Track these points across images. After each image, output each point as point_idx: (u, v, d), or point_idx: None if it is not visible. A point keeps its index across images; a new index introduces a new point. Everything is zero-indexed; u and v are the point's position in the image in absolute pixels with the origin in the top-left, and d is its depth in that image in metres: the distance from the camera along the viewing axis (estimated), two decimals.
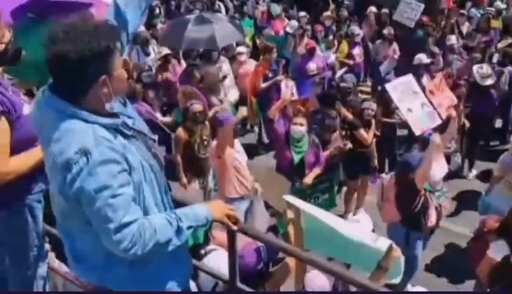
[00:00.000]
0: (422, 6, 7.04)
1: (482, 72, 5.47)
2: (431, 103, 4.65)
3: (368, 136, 4.76)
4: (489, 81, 5.50)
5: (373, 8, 8.85)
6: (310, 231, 2.06)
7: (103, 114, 1.43)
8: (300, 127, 4.08)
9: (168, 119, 5.32)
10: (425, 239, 3.91)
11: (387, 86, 4.76)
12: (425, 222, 3.73)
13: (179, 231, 1.46)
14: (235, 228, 1.66)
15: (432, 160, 3.57)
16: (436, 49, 6.93)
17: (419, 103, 4.30)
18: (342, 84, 5.51)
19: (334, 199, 4.36)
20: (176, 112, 5.36)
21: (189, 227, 1.49)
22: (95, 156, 1.34)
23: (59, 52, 1.33)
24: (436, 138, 3.69)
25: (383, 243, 1.98)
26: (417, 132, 4.20)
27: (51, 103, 1.41)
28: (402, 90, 4.40)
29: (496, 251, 3.02)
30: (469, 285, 3.69)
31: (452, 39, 7.30)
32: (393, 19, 7.65)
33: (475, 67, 5.67)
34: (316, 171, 4.19)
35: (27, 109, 1.95)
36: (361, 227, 2.04)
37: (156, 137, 1.64)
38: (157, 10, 9.91)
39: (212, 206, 1.61)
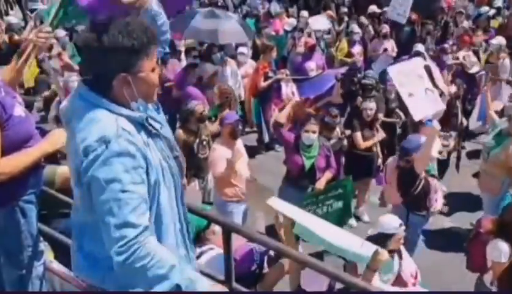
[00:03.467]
0: (411, 1, 7.03)
1: (470, 60, 5.60)
2: (436, 87, 4.63)
3: (368, 142, 4.72)
4: (475, 69, 5.63)
5: (374, 8, 8.80)
6: (300, 227, 2.06)
7: (130, 109, 1.43)
8: (312, 135, 4.02)
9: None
10: (426, 220, 3.93)
11: (390, 69, 4.66)
12: (427, 204, 3.77)
13: (170, 276, 1.36)
14: None
15: (431, 146, 3.59)
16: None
17: (423, 88, 4.15)
18: (364, 81, 5.49)
19: (349, 207, 4.09)
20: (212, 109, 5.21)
21: (178, 285, 1.38)
22: (113, 146, 1.33)
23: (84, 40, 1.38)
24: (435, 124, 3.73)
25: (368, 249, 1.98)
26: (416, 118, 4.15)
27: (81, 94, 1.43)
28: (406, 73, 4.24)
29: (494, 251, 3.02)
30: (468, 284, 3.68)
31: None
32: (386, 17, 7.66)
33: (461, 55, 5.79)
34: (328, 175, 4.10)
35: (19, 110, 1.96)
36: (347, 233, 2.03)
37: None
38: None
39: (214, 288, 1.52)
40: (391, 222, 3.04)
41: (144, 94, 1.45)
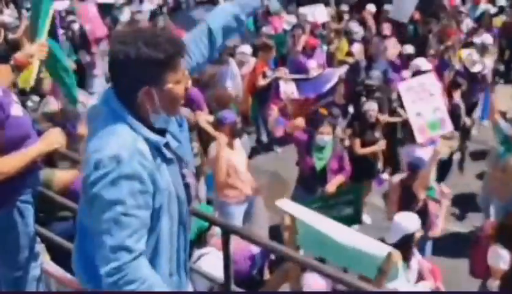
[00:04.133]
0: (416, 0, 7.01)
1: (472, 59, 5.59)
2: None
3: (366, 149, 4.67)
4: (478, 68, 5.61)
5: (371, 8, 8.73)
6: (304, 237, 2.02)
7: (151, 126, 1.39)
8: (326, 136, 3.98)
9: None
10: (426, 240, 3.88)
11: (401, 86, 4.62)
12: (426, 225, 3.70)
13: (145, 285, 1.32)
14: None
15: (431, 169, 3.58)
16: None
17: (432, 107, 4.15)
18: (368, 82, 5.46)
19: (359, 214, 4.01)
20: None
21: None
22: (124, 167, 1.29)
23: (111, 51, 1.37)
24: (438, 146, 3.79)
25: (381, 249, 1.95)
26: (419, 139, 4.13)
27: (108, 99, 1.40)
28: (417, 91, 4.24)
29: (493, 257, 2.99)
30: (470, 285, 3.65)
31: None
32: (390, 17, 7.62)
33: (464, 54, 5.75)
34: (340, 178, 4.05)
35: (17, 109, 1.95)
36: (359, 233, 2.00)
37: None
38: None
39: None
40: (410, 219, 2.96)
41: (167, 107, 1.41)
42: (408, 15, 7.00)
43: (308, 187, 4.01)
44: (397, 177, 3.97)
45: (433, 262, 4.07)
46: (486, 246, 3.09)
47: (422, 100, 4.18)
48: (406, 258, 2.92)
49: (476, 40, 6.77)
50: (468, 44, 7.28)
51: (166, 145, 1.41)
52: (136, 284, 1.29)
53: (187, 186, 1.50)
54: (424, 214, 3.67)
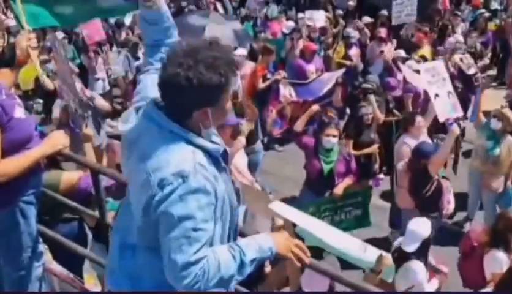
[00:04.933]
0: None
1: (467, 62, 5.67)
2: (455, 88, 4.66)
3: (358, 152, 4.69)
4: (472, 70, 5.70)
5: (367, 19, 8.81)
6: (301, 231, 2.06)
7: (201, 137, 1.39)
8: (332, 139, 3.96)
9: None
10: (438, 222, 3.92)
11: (421, 67, 4.62)
12: (440, 206, 3.80)
13: (242, 266, 1.38)
14: (299, 265, 1.54)
15: (449, 148, 3.68)
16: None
17: (446, 91, 4.18)
18: (364, 85, 5.50)
19: (367, 216, 4.02)
20: None
21: (252, 260, 1.40)
22: (190, 182, 1.29)
23: (173, 74, 1.31)
24: (456, 128, 3.79)
25: (372, 253, 1.99)
26: (441, 119, 4.12)
27: (154, 118, 1.37)
28: (433, 74, 4.24)
29: (493, 263, 3.03)
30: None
31: None
32: (392, 24, 7.70)
33: (458, 57, 5.79)
34: (348, 181, 4.04)
35: (19, 112, 1.97)
36: (349, 236, 2.03)
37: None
38: None
39: (277, 237, 1.50)
40: (423, 224, 2.95)
41: (217, 122, 1.44)
42: (414, 14, 7.06)
43: (316, 190, 4.02)
44: (403, 164, 3.99)
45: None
46: (480, 254, 3.12)
47: (438, 83, 4.28)
48: (426, 264, 2.93)
49: (450, 39, 6.81)
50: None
51: (223, 154, 1.43)
52: (218, 276, 1.33)
53: (237, 191, 1.53)
54: (438, 194, 3.76)
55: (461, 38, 7.03)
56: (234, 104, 4.88)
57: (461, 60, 5.89)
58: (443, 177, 3.94)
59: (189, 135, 1.35)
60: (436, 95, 4.17)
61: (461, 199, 5.03)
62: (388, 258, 2.01)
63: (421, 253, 2.87)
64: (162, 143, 1.34)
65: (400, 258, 2.83)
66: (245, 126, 4.38)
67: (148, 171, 1.32)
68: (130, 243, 1.47)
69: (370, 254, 1.96)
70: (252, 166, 4.32)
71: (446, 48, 6.82)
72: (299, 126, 4.34)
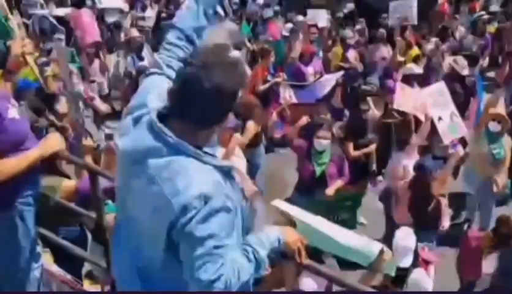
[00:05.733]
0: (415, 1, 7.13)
1: (461, 63, 5.72)
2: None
3: (358, 152, 4.74)
4: (466, 71, 5.76)
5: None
6: (301, 230, 2.07)
7: (210, 155, 1.36)
8: (324, 141, 4.00)
9: None
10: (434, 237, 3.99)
11: (424, 91, 4.72)
12: (437, 224, 3.86)
13: (258, 265, 1.41)
14: (299, 261, 1.56)
15: (451, 169, 3.77)
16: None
17: (449, 113, 4.33)
18: (364, 87, 5.52)
19: (354, 220, 4.11)
20: None
21: (266, 255, 1.43)
22: (213, 203, 1.28)
23: (189, 77, 1.27)
24: (460, 150, 3.91)
25: (374, 247, 1.99)
26: (446, 141, 4.28)
27: (163, 138, 1.30)
28: (436, 98, 4.41)
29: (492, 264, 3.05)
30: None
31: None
32: (390, 26, 7.72)
33: (452, 59, 5.85)
34: (340, 183, 4.07)
35: (13, 112, 1.96)
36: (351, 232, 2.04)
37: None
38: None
39: (284, 229, 1.54)
40: (409, 235, 2.99)
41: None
42: (415, 15, 7.10)
43: (308, 192, 4.04)
44: (405, 181, 4.05)
45: None
46: (480, 257, 3.15)
47: (441, 105, 4.34)
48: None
49: (429, 44, 6.85)
50: (458, 50, 7.39)
51: (235, 169, 1.43)
52: (239, 282, 1.34)
53: (246, 199, 1.53)
54: (436, 212, 3.82)
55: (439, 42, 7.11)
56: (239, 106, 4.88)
57: (455, 61, 5.91)
58: (442, 194, 3.97)
59: (205, 157, 1.32)
60: (440, 118, 4.25)
61: (460, 200, 5.06)
62: (389, 253, 2.01)
63: (415, 264, 2.90)
64: (174, 165, 1.29)
65: (400, 276, 2.82)
66: (252, 127, 4.38)
67: (166, 197, 1.28)
68: (142, 265, 1.43)
69: (372, 247, 1.97)
70: (254, 170, 4.33)
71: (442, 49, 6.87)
72: (292, 135, 4.37)
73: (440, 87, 4.62)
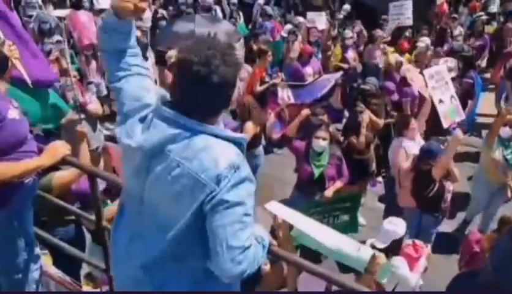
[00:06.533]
0: (410, 1, 7.14)
1: (449, 66, 5.70)
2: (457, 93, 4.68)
3: (362, 138, 4.76)
4: (452, 74, 5.76)
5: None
6: (296, 232, 2.07)
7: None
8: (322, 142, 3.96)
9: None
10: (439, 221, 4.00)
11: (425, 73, 4.68)
12: (441, 206, 3.84)
13: (264, 249, 1.51)
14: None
15: (453, 153, 3.71)
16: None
17: (449, 95, 4.28)
18: (363, 86, 5.52)
19: (355, 222, 4.02)
20: None
21: (266, 244, 1.53)
22: (241, 172, 1.35)
23: (197, 74, 1.33)
24: (459, 133, 3.81)
25: (365, 252, 1.99)
26: (445, 125, 4.22)
27: (180, 122, 1.36)
28: (437, 79, 4.35)
29: None
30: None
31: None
32: (389, 27, 7.73)
33: (442, 61, 5.88)
34: (338, 184, 4.05)
35: (13, 113, 1.97)
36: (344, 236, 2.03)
37: None
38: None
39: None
40: (398, 225, 2.98)
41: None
42: (410, 16, 7.10)
43: (307, 193, 4.02)
44: (407, 163, 4.02)
45: None
46: (482, 260, 3.13)
47: (441, 87, 4.31)
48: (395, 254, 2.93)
49: (420, 43, 6.77)
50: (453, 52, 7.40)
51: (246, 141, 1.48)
52: (258, 262, 1.44)
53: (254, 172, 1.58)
54: (439, 195, 3.81)
55: (429, 42, 7.08)
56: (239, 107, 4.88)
57: (445, 62, 5.91)
58: (446, 178, 3.95)
59: (216, 129, 1.38)
60: (440, 100, 4.22)
61: (460, 200, 5.06)
62: (381, 257, 2.01)
63: (392, 250, 2.86)
64: (198, 144, 1.35)
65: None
66: (251, 128, 4.37)
67: (196, 174, 1.33)
68: (152, 262, 1.46)
69: (363, 253, 1.97)
70: (253, 170, 4.31)
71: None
72: (291, 131, 4.34)
73: (440, 69, 4.58)
